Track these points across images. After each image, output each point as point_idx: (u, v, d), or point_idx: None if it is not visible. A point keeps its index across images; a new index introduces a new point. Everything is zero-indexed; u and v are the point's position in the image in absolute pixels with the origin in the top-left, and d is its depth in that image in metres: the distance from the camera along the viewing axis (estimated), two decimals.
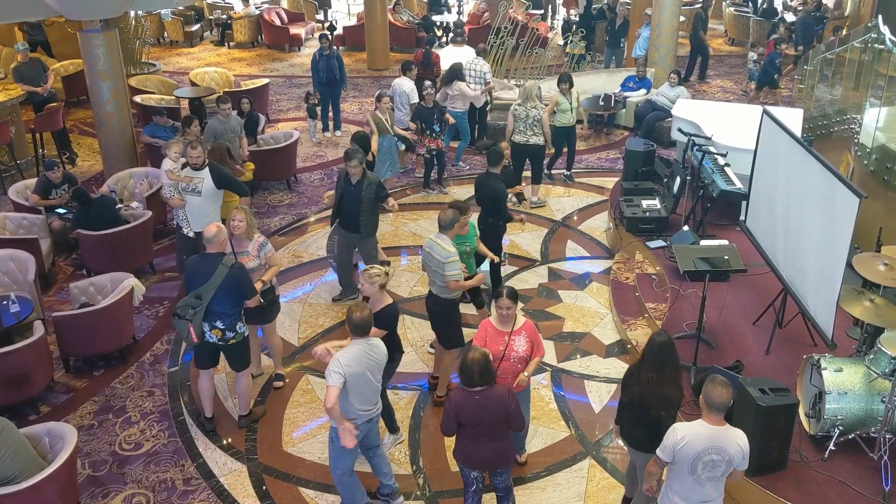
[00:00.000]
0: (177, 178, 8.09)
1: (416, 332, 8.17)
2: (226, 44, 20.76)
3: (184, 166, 8.16)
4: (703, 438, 4.55)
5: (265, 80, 15.19)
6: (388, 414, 6.61)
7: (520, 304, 8.12)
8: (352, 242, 8.43)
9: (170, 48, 20.78)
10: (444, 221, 6.75)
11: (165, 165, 8.39)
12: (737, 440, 4.59)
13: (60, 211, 9.53)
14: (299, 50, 20.17)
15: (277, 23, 20.35)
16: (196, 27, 21.18)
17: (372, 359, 5.46)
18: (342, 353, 5.37)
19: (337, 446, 5.56)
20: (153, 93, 14.49)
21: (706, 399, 4.57)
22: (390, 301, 6.12)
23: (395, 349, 6.22)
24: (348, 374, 5.28)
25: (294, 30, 20.28)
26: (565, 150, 11.56)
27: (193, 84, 14.88)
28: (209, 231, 6.37)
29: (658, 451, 4.71)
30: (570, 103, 11.05)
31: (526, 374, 5.70)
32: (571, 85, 11.06)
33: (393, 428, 6.69)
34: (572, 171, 11.84)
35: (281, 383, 7.41)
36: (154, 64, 17.56)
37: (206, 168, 8.01)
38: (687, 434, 4.57)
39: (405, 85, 11.53)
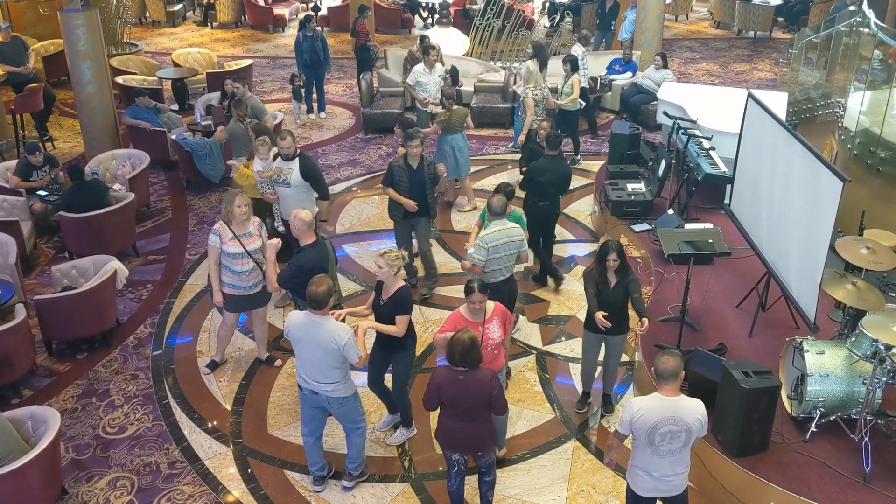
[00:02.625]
0: (270, 174, 7.85)
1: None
2: (209, 24, 20.54)
3: (274, 158, 7.91)
4: (658, 410, 4.66)
5: (249, 61, 15.03)
6: (389, 399, 6.56)
7: None
8: (411, 228, 8.27)
9: (151, 28, 20.55)
10: (500, 207, 6.74)
11: (256, 166, 8.01)
12: (693, 410, 4.69)
13: (42, 193, 9.44)
14: (283, 31, 20.01)
15: (261, 3, 20.14)
16: (178, 7, 20.93)
17: (313, 335, 5.41)
18: (295, 311, 5.68)
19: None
20: (135, 73, 14.34)
21: (657, 371, 4.70)
22: (403, 283, 5.98)
23: (408, 336, 6.08)
24: (291, 333, 5.55)
25: (278, 10, 20.09)
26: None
27: (176, 65, 14.72)
28: (306, 218, 6.40)
29: (617, 425, 4.85)
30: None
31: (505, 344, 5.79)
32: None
33: (393, 410, 6.61)
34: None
35: (280, 362, 7.49)
36: (136, 44, 17.37)
37: (296, 159, 7.79)
38: (642, 407, 4.69)
39: (422, 68, 11.42)
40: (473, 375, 5.10)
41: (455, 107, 9.91)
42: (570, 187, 8.82)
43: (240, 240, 6.79)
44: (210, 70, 14.52)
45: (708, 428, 4.81)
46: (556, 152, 8.30)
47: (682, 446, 4.72)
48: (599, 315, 6.10)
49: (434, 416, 6.75)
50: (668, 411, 4.64)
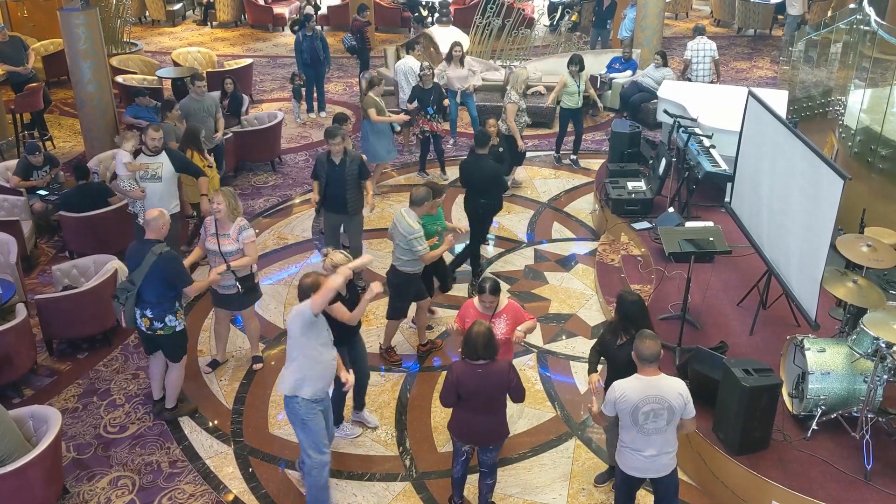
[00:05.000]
0: (136, 168, 7.95)
1: None
2: (208, 23, 20.54)
3: (135, 154, 8.06)
4: (638, 390, 4.82)
5: (249, 61, 15.02)
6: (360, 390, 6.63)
7: (506, 287, 8.22)
8: (338, 223, 8.36)
9: (151, 27, 20.54)
10: (416, 197, 6.93)
11: (122, 158, 8.08)
12: (672, 387, 4.84)
13: (42, 192, 9.43)
14: (283, 30, 19.98)
15: (261, 2, 20.13)
16: (178, 6, 20.93)
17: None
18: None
19: (311, 427, 5.43)
20: (135, 73, 14.32)
21: (637, 353, 4.86)
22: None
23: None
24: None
25: (278, 9, 20.07)
26: (571, 130, 11.60)
27: (176, 64, 14.71)
28: (150, 214, 6.35)
29: (602, 407, 4.99)
30: (579, 86, 11.12)
31: (521, 329, 5.82)
32: (581, 68, 11.12)
33: (359, 405, 6.68)
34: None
35: (260, 365, 7.42)
36: (136, 43, 17.36)
37: (163, 153, 8.01)
38: (624, 388, 4.85)
39: (411, 63, 11.43)
40: (492, 367, 5.19)
41: (366, 95, 10.25)
42: (571, 186, 8.81)
43: (217, 238, 6.69)
44: (210, 69, 14.51)
45: (694, 408, 4.87)
46: (485, 151, 8.32)
47: (667, 424, 4.85)
48: (593, 379, 5.72)
49: (434, 414, 6.78)
50: (648, 390, 4.81)
